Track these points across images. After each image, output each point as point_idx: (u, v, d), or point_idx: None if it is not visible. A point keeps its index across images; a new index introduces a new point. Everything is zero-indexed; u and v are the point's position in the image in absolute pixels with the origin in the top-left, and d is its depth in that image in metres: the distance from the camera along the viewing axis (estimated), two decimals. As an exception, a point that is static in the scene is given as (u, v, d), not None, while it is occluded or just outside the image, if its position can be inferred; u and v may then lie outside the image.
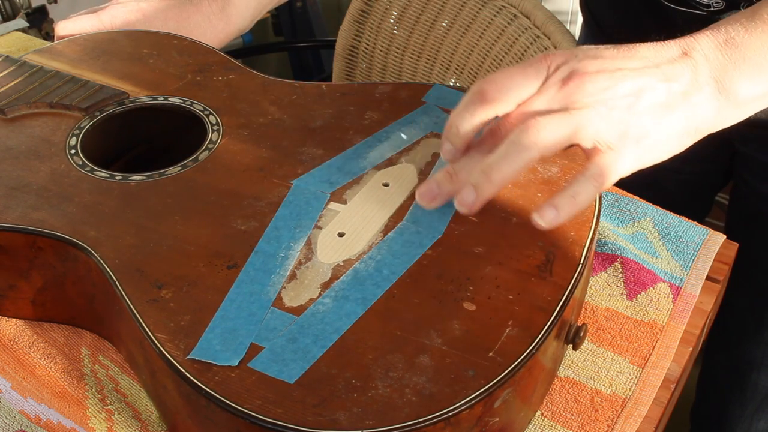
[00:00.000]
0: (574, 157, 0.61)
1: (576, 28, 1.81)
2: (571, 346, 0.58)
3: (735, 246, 0.70)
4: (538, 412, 0.57)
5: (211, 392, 0.46)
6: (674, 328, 0.62)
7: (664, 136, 0.53)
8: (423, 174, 0.61)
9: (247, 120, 0.67)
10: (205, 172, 0.62)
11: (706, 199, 1.04)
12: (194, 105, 0.69)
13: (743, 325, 0.96)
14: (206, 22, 0.83)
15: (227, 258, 0.54)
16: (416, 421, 0.45)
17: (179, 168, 0.62)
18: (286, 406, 0.45)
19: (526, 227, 0.56)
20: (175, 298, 0.52)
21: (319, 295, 0.52)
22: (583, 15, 0.98)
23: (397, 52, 1.27)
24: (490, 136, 0.55)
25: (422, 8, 1.22)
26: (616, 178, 0.53)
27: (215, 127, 0.66)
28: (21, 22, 1.08)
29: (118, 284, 0.53)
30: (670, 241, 0.69)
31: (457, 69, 1.20)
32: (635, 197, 0.74)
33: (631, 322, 0.63)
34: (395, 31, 1.26)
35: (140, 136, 0.71)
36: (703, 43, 0.54)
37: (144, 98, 0.70)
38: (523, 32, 1.09)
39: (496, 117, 0.54)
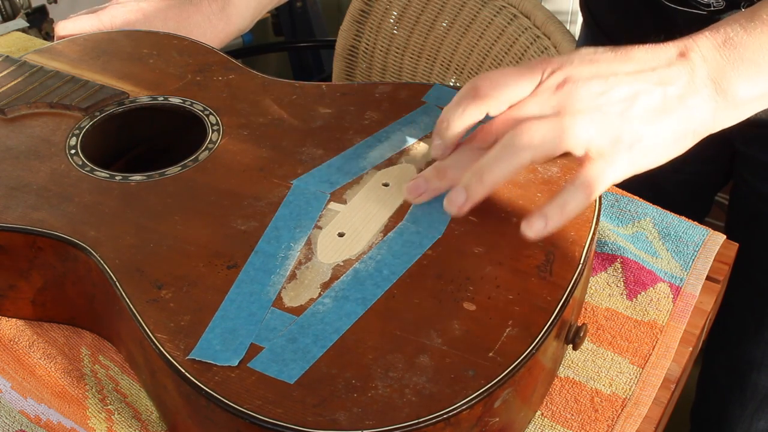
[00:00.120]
0: (574, 157, 0.61)
1: (576, 28, 1.81)
2: (571, 346, 0.58)
3: (735, 246, 0.70)
4: (538, 412, 0.57)
5: (211, 392, 0.46)
6: (674, 328, 0.62)
7: (660, 140, 0.53)
8: (423, 174, 0.61)
9: (247, 120, 0.67)
10: (205, 172, 0.62)
11: (706, 199, 1.04)
12: (194, 105, 0.69)
13: (743, 325, 0.96)
14: (206, 22, 0.83)
15: (227, 258, 0.54)
16: (416, 421, 0.45)
17: (179, 168, 0.62)
18: (286, 406, 0.45)
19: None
20: (175, 298, 0.52)
21: (319, 295, 0.52)
22: (583, 15, 0.98)
23: (397, 52, 1.27)
24: (480, 134, 0.55)
25: (422, 8, 1.22)
26: (606, 187, 0.53)
27: (215, 127, 0.66)
28: (21, 22, 1.08)
29: (118, 284, 0.53)
30: (670, 241, 0.69)
31: (457, 69, 1.20)
32: (635, 197, 0.74)
33: (631, 322, 0.63)
34: (395, 31, 1.26)
35: (140, 136, 0.71)
36: (702, 44, 0.54)
37: (144, 98, 0.70)
38: (523, 32, 1.09)
39: (488, 116, 0.54)
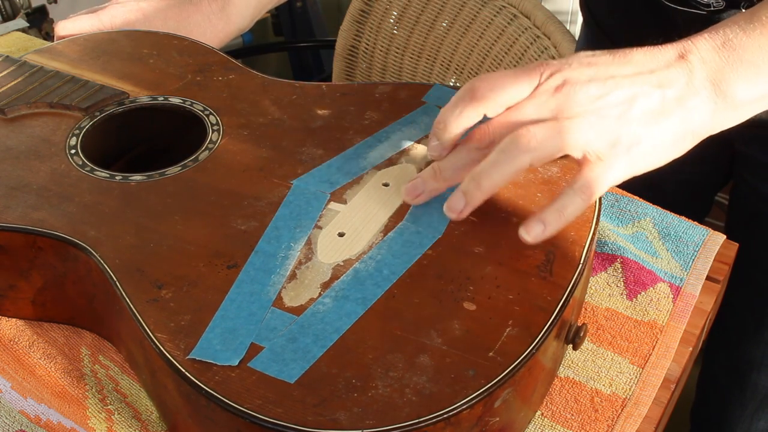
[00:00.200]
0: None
1: (576, 28, 1.81)
2: (571, 346, 0.58)
3: (735, 246, 0.70)
4: (538, 412, 0.57)
5: (212, 392, 0.46)
6: (674, 328, 0.62)
7: (659, 142, 0.53)
8: (423, 174, 0.61)
9: (247, 120, 0.67)
10: (205, 172, 0.62)
11: (706, 199, 1.04)
12: (194, 105, 0.69)
13: (743, 325, 0.96)
14: (206, 22, 0.83)
15: (227, 258, 0.54)
16: (416, 420, 0.45)
17: (179, 168, 0.62)
18: (287, 406, 0.45)
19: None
20: (175, 297, 0.52)
21: (319, 294, 0.52)
22: (583, 15, 0.98)
23: (397, 52, 1.27)
24: (478, 135, 0.55)
25: (422, 8, 1.22)
26: (604, 189, 0.53)
27: (215, 127, 0.66)
28: (21, 22, 1.08)
29: (118, 284, 0.53)
30: (670, 241, 0.69)
31: (457, 69, 1.20)
32: (635, 197, 0.74)
33: (631, 322, 0.63)
34: (395, 31, 1.26)
35: (140, 136, 0.71)
36: (700, 45, 0.54)
37: (144, 98, 0.70)
38: (523, 32, 1.09)
39: (485, 117, 0.54)
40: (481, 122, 0.55)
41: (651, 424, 0.56)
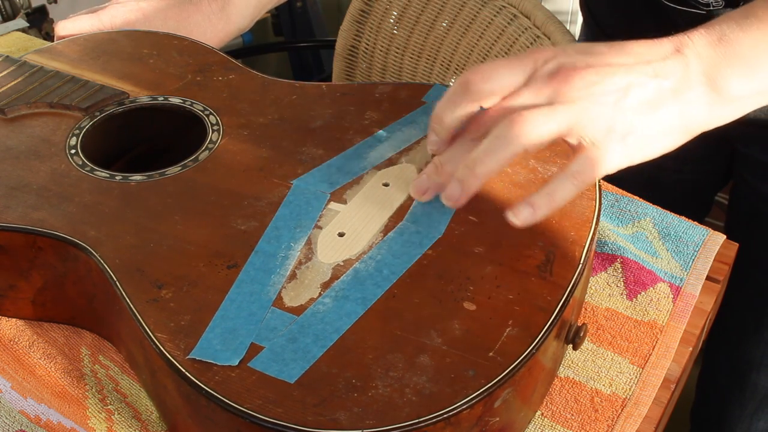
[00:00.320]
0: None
1: (576, 28, 1.81)
2: (571, 346, 0.58)
3: (735, 246, 0.70)
4: (538, 412, 0.57)
5: (212, 392, 0.46)
6: (674, 328, 0.62)
7: (653, 132, 0.53)
8: (423, 174, 0.61)
9: (247, 120, 0.67)
10: (205, 172, 0.62)
11: (706, 199, 1.04)
12: (194, 105, 0.69)
13: (743, 325, 0.96)
14: (206, 22, 0.83)
15: (227, 258, 0.54)
16: (416, 420, 0.45)
17: (179, 168, 0.62)
18: (287, 406, 0.45)
19: (526, 227, 0.56)
20: (175, 297, 0.52)
21: (319, 294, 0.52)
22: (583, 15, 0.98)
23: (397, 52, 1.27)
24: (474, 126, 0.55)
25: (422, 8, 1.22)
26: (597, 177, 0.52)
27: (215, 127, 0.66)
28: (21, 22, 1.08)
29: (118, 284, 0.53)
30: (670, 241, 0.69)
31: (457, 69, 1.20)
32: (635, 197, 0.74)
33: (631, 322, 0.63)
34: (395, 31, 1.26)
35: (140, 136, 0.71)
36: (697, 40, 0.54)
37: (144, 98, 0.70)
38: (523, 32, 1.09)
39: (482, 108, 0.54)
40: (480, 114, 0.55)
41: (651, 424, 0.56)
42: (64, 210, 0.58)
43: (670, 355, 0.61)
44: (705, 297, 0.65)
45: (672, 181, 0.96)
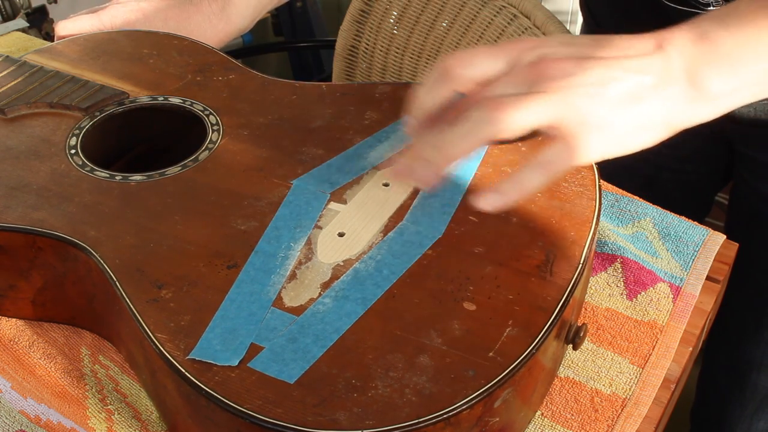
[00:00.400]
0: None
1: (576, 28, 1.81)
2: (571, 346, 0.58)
3: (735, 246, 0.69)
4: (538, 412, 0.57)
5: (211, 392, 0.46)
6: (674, 328, 0.62)
7: (631, 127, 0.53)
8: (423, 174, 0.61)
9: (247, 120, 0.67)
10: (205, 172, 0.62)
11: (706, 199, 1.04)
12: (194, 105, 0.69)
13: (743, 325, 0.96)
14: (206, 22, 0.83)
15: (227, 258, 0.54)
16: (416, 421, 0.45)
17: (179, 168, 0.62)
18: (286, 406, 0.45)
19: (526, 227, 0.56)
20: (175, 298, 0.52)
21: (319, 295, 0.52)
22: (583, 15, 0.98)
23: (397, 52, 1.27)
24: (452, 112, 0.55)
25: (422, 8, 1.22)
26: (568, 168, 0.52)
27: (215, 127, 0.66)
28: (21, 22, 1.08)
29: (118, 284, 0.53)
30: (670, 241, 0.69)
31: (457, 69, 1.20)
32: (635, 197, 0.74)
33: (631, 322, 0.63)
34: (395, 31, 1.26)
35: (140, 136, 0.71)
36: (679, 37, 0.54)
37: (144, 98, 0.70)
38: (523, 32, 1.09)
39: (463, 95, 0.54)
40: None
41: (651, 424, 0.56)
42: (64, 210, 0.58)
43: (670, 355, 0.61)
44: (705, 297, 0.65)
45: (672, 181, 0.96)
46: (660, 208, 0.72)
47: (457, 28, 1.19)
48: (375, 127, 0.65)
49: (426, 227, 0.56)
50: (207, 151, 0.64)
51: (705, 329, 0.65)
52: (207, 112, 0.68)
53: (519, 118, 0.50)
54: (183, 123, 0.69)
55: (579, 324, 0.57)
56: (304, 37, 2.14)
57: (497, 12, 1.12)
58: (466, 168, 0.61)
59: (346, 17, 1.29)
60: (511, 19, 1.10)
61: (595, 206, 0.58)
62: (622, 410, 0.57)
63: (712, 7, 0.76)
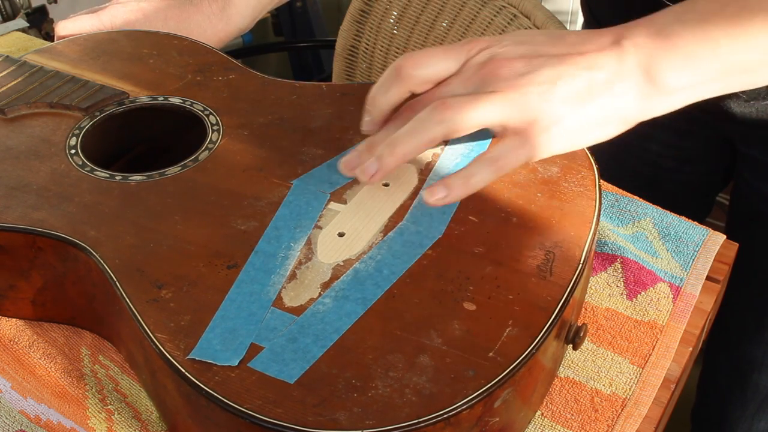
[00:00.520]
0: (574, 157, 0.61)
1: (576, 28, 1.81)
2: (571, 346, 0.58)
3: (735, 246, 0.69)
4: (538, 412, 0.57)
5: (211, 392, 0.46)
6: (674, 328, 0.62)
7: (582, 123, 0.53)
8: (423, 174, 0.61)
9: (247, 120, 0.67)
10: (205, 172, 0.62)
11: (707, 199, 1.04)
12: (194, 105, 0.69)
13: (743, 325, 0.96)
14: (206, 22, 0.83)
15: (227, 258, 0.54)
16: (416, 420, 0.45)
17: (179, 168, 0.62)
18: (286, 406, 0.45)
19: (526, 227, 0.56)
20: (175, 298, 0.52)
21: (319, 295, 0.52)
22: (584, 15, 0.98)
23: (397, 52, 1.27)
24: (406, 111, 0.56)
25: (422, 8, 1.22)
26: (516, 165, 0.53)
27: (215, 127, 0.66)
28: (21, 22, 1.08)
29: (118, 284, 0.53)
30: (670, 241, 0.69)
31: (457, 69, 1.20)
32: (635, 197, 0.74)
33: (631, 322, 0.63)
34: (395, 31, 1.26)
35: (140, 136, 0.71)
36: (636, 32, 0.54)
37: (144, 98, 0.70)
38: (523, 32, 1.09)
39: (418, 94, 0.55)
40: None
41: (651, 424, 0.56)
42: (64, 210, 0.58)
43: (670, 355, 0.61)
44: (705, 297, 0.65)
45: (672, 182, 0.96)
46: (660, 208, 0.72)
47: (457, 28, 1.19)
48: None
49: (426, 227, 0.56)
50: (207, 151, 0.64)
51: (705, 329, 0.65)
52: (207, 112, 0.68)
53: (468, 119, 0.51)
54: (183, 123, 0.69)
55: (579, 324, 0.57)
56: (304, 37, 2.15)
57: (497, 12, 1.12)
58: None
59: (346, 17, 1.29)
60: (511, 19, 1.10)
61: (595, 206, 0.58)
62: (622, 410, 0.57)
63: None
